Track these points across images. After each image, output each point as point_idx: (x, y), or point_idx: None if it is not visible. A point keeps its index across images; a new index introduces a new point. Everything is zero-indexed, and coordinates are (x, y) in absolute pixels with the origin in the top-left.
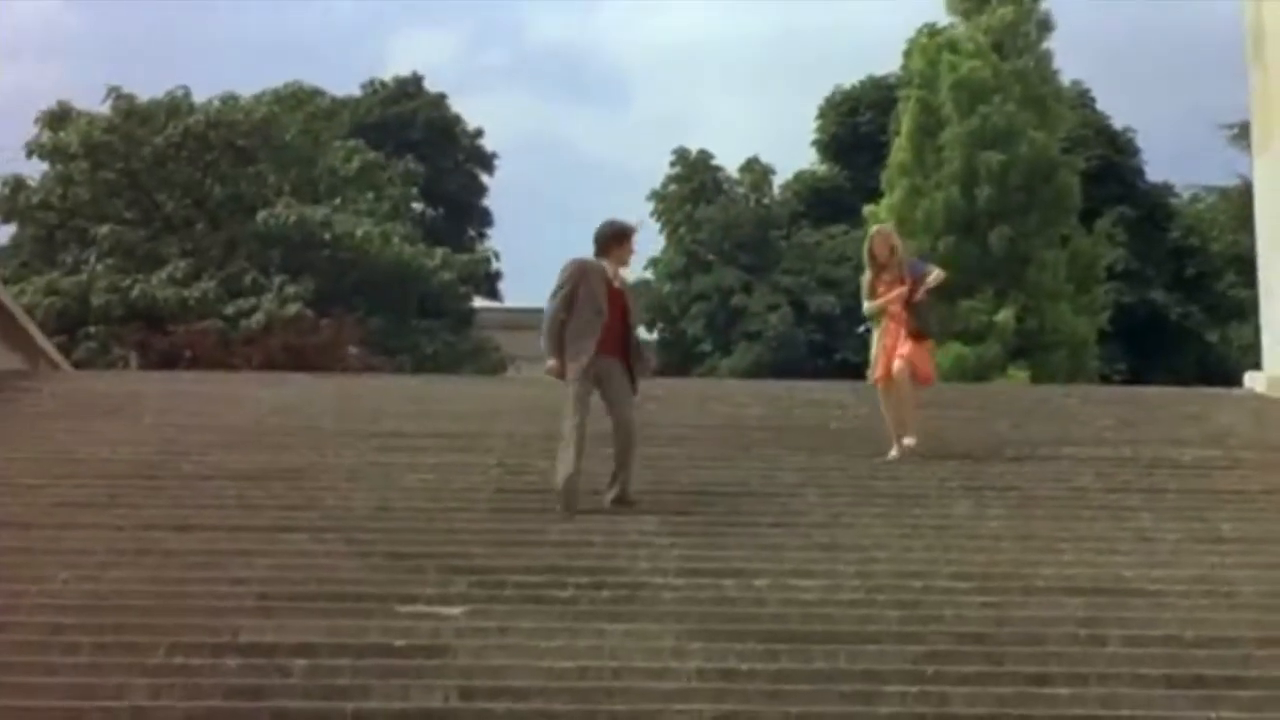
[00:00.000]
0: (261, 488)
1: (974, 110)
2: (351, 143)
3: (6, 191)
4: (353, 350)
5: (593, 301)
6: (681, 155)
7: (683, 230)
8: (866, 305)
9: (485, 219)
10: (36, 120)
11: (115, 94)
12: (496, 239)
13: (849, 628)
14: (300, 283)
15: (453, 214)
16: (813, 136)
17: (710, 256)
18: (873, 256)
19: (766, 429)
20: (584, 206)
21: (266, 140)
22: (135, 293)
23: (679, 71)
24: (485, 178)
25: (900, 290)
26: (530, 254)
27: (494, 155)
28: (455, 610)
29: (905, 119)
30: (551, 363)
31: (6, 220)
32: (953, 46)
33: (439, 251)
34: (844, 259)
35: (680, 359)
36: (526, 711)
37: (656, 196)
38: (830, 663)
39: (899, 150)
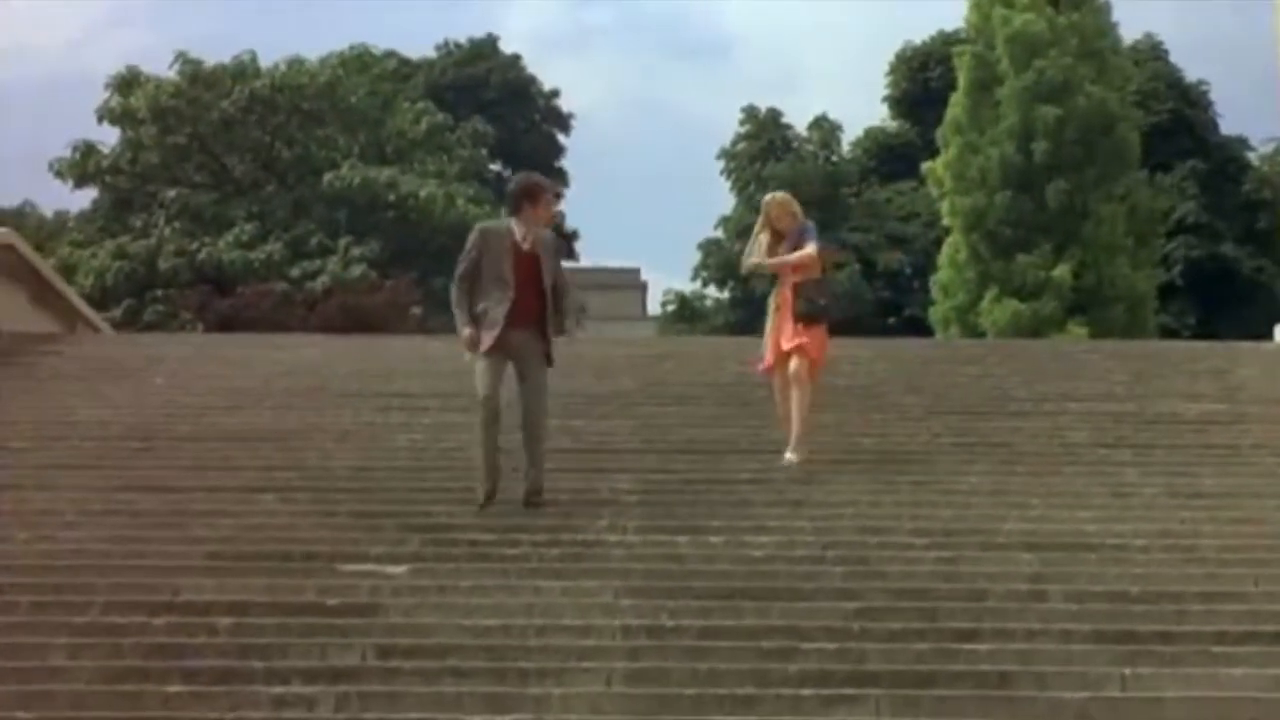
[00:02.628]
0: (249, 449)
1: (1029, 64)
2: (420, 104)
3: (77, 156)
4: (415, 311)
5: (495, 269)
6: (750, 113)
7: (752, 188)
8: (748, 262)
9: (562, 179)
10: (106, 85)
11: (182, 59)
12: (592, 198)
13: (789, 584)
14: (365, 244)
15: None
16: (883, 92)
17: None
18: (770, 226)
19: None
20: (683, 167)
21: (333, 103)
22: (202, 256)
23: (780, 32)
24: (562, 138)
25: (792, 258)
26: (629, 213)
27: (570, 115)
28: (399, 569)
29: (961, 74)
30: (466, 331)
31: (79, 185)
32: (1007, 1)
33: (504, 212)
34: (913, 215)
35: (750, 317)
36: (437, 669)
37: (726, 155)
38: (761, 619)
39: (955, 106)
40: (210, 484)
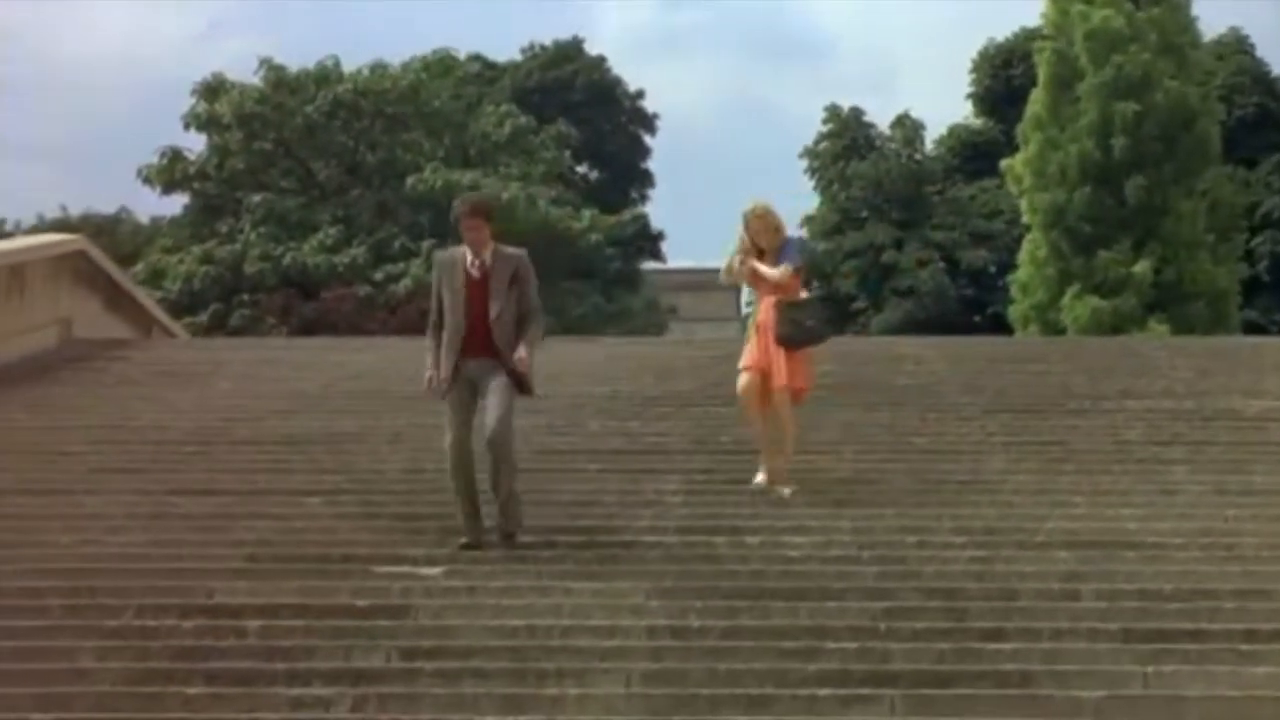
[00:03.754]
0: (301, 452)
1: (1108, 60)
2: (504, 107)
3: (164, 163)
4: None
5: (451, 299)
6: (833, 112)
7: (835, 187)
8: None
9: (647, 180)
10: (192, 92)
11: (266, 65)
12: (683, 199)
13: (821, 584)
14: (447, 247)
15: (617, 176)
16: (966, 90)
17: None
18: (751, 241)
19: (829, 386)
20: (774, 166)
21: (416, 107)
22: (286, 260)
23: (874, 30)
24: (648, 139)
25: (770, 273)
26: (722, 213)
27: (655, 116)
28: (434, 571)
29: (1041, 70)
30: (426, 375)
31: (167, 191)
32: None
33: (586, 213)
34: (996, 213)
35: (834, 316)
36: (458, 670)
37: (809, 154)
38: (788, 619)
39: (1034, 103)
40: (259, 487)
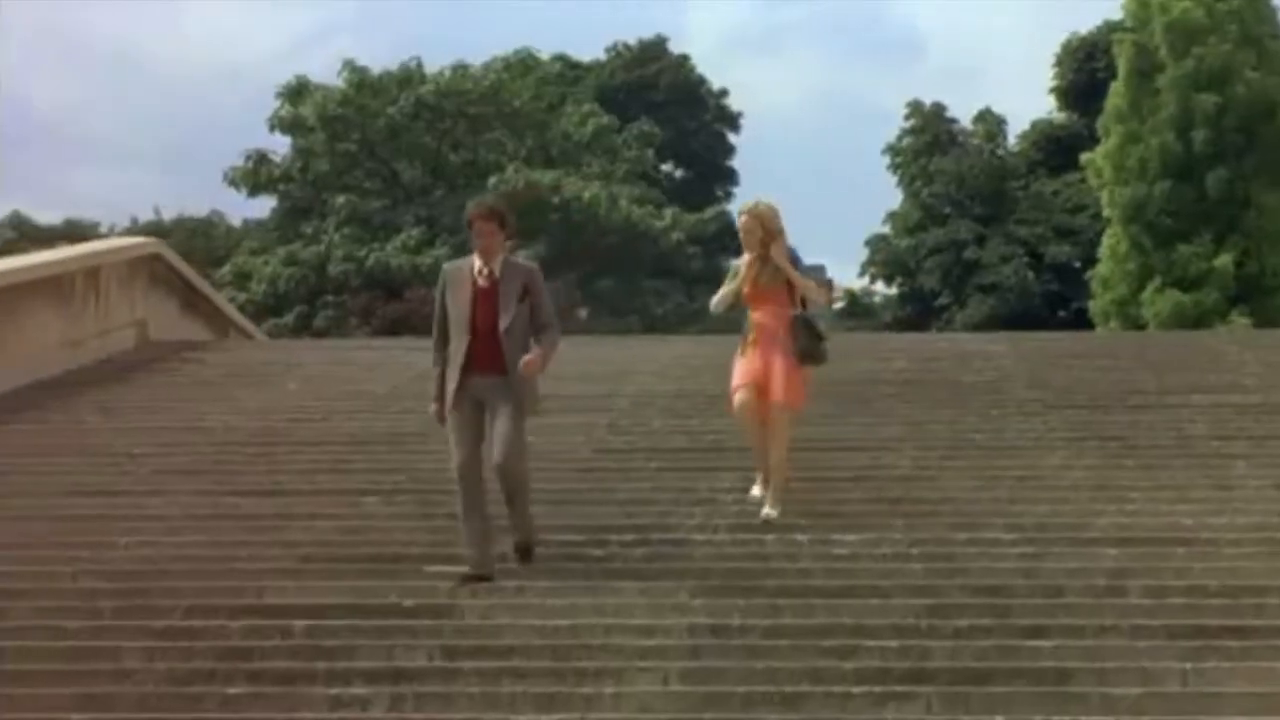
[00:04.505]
0: (364, 452)
1: (1188, 52)
2: (586, 106)
3: (250, 166)
4: (581, 313)
5: (456, 311)
6: (915, 108)
7: (917, 184)
8: (721, 295)
9: (731, 178)
10: (277, 95)
11: (349, 67)
12: (776, 197)
13: (868, 582)
14: (530, 247)
15: (701, 175)
16: (1050, 84)
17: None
18: (750, 246)
19: (897, 383)
20: (865, 162)
21: (498, 108)
22: (370, 261)
23: (969, 27)
24: (732, 137)
25: (809, 284)
26: (816, 210)
27: (740, 115)
28: None
29: (1121, 63)
30: (433, 408)
31: (253, 194)
32: None
33: (668, 212)
34: (1080, 207)
35: (918, 313)
36: (496, 670)
37: (891, 150)
38: (830, 618)
39: (1115, 95)
40: (319, 487)
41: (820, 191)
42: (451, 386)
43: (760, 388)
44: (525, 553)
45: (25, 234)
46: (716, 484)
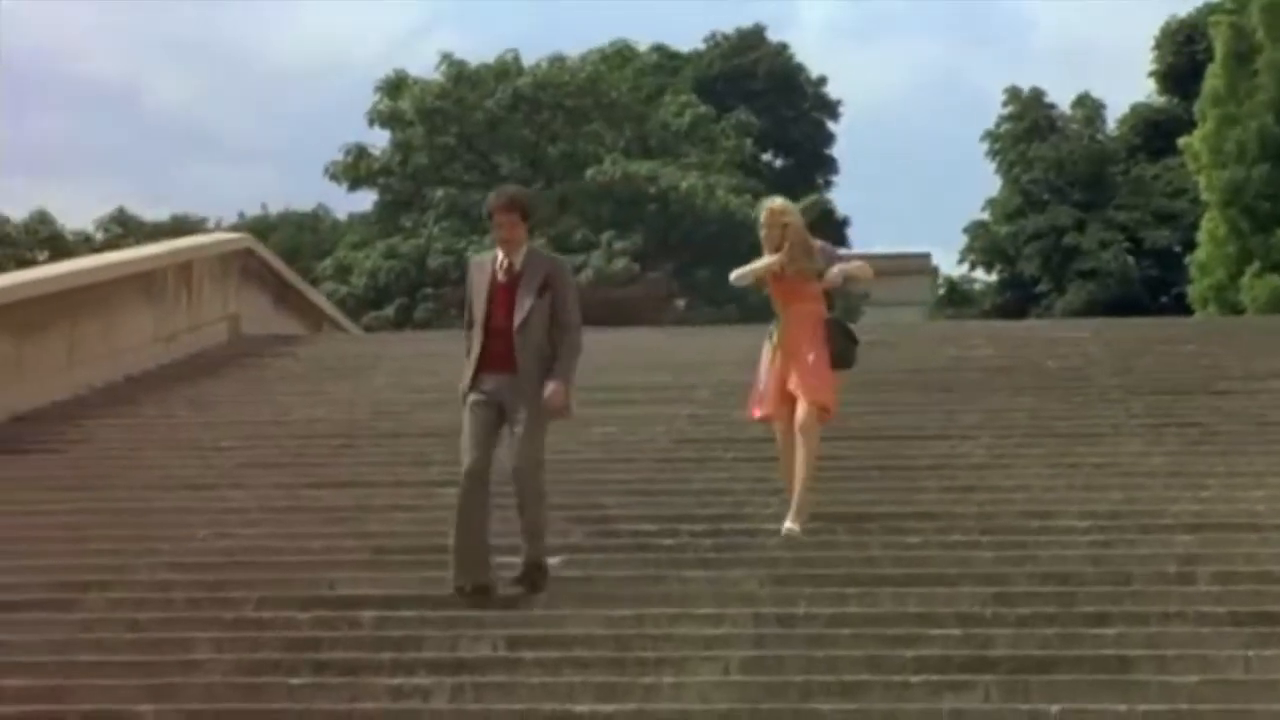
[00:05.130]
0: (445, 444)
1: None
2: (684, 97)
3: (350, 160)
4: (679, 303)
5: (477, 309)
6: (1013, 93)
7: (1017, 169)
8: (744, 271)
9: (831, 167)
10: (376, 89)
11: (446, 60)
12: (869, 184)
13: (937, 570)
14: (628, 238)
15: (801, 163)
16: (1149, 68)
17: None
18: (773, 243)
19: (981, 370)
20: (967, 149)
21: (596, 99)
22: (469, 253)
23: (1075, 12)
24: (831, 125)
25: (846, 269)
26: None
27: (839, 103)
28: (553, 560)
29: (1218, 45)
30: (461, 385)
31: (353, 188)
32: None
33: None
34: (1180, 192)
35: (1018, 299)
36: (558, 659)
37: (990, 136)
38: (896, 606)
39: (1212, 78)
40: (398, 479)
41: (920, 178)
42: (466, 385)
43: (788, 400)
44: (532, 578)
45: (130, 230)
46: None
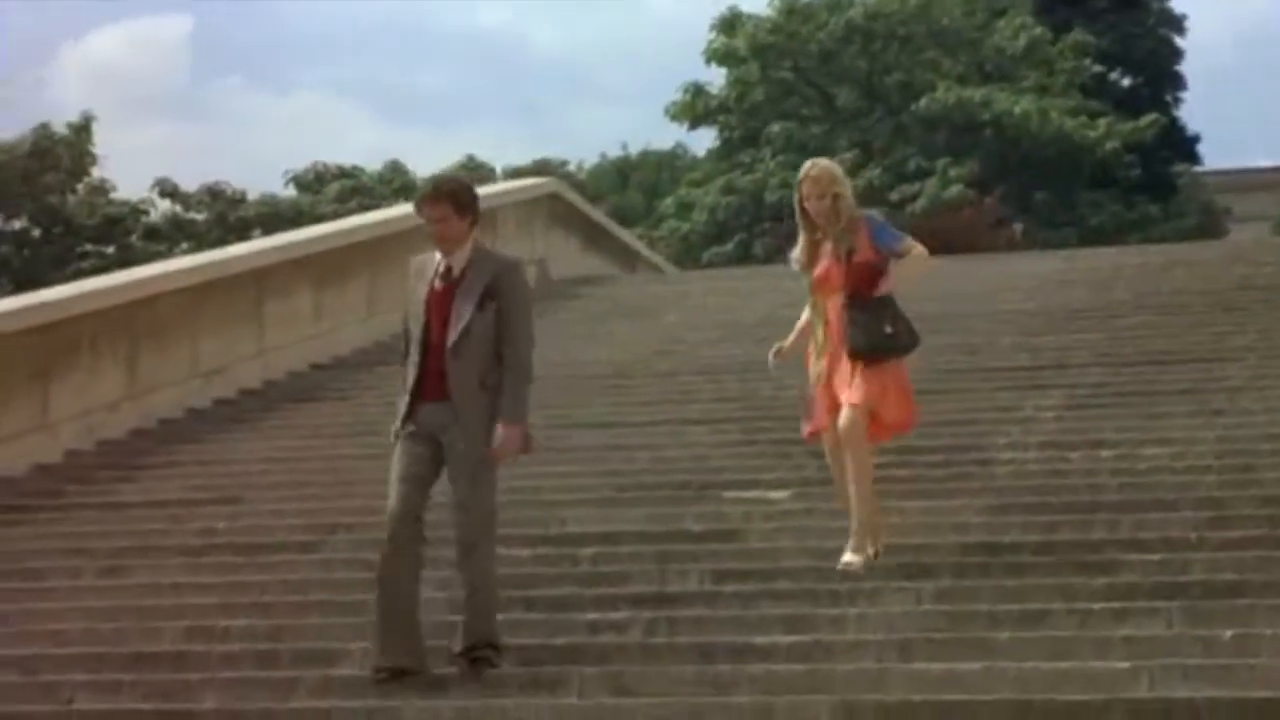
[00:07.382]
0: (713, 381)
1: None
2: (1019, 20)
3: (688, 99)
4: (1017, 227)
5: (413, 323)
6: None
7: None
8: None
9: (1179, 83)
10: (711, 27)
11: None
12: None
13: (1157, 495)
14: (963, 164)
15: (1148, 82)
16: None
17: None
18: (803, 211)
19: (1265, 289)
20: None
21: (928, 26)
22: None
23: None
24: (1178, 40)
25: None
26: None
27: (1184, 17)
28: (781, 494)
29: None
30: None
31: (693, 126)
32: None
33: (1102, 122)
34: None
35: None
36: (755, 592)
37: None
38: (1107, 533)
39: None
40: (655, 417)
41: (1272, 90)
42: (400, 416)
43: (836, 410)
44: (477, 656)
45: (484, 178)
46: (1043, 401)
